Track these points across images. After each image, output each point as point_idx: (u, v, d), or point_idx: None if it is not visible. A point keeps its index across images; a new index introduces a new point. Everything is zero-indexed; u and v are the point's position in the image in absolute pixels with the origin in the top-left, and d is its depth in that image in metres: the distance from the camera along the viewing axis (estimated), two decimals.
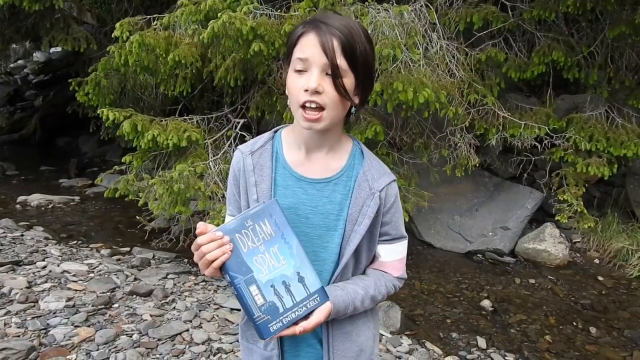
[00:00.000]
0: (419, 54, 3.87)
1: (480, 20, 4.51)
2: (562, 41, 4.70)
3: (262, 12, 3.89)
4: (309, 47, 1.03)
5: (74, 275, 3.61)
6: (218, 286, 3.77)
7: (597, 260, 4.93)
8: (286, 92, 1.11)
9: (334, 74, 1.03)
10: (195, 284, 3.78)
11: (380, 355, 3.00)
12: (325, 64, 1.02)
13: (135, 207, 4.26)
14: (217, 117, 4.71)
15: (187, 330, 2.96)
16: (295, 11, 3.88)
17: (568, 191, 4.65)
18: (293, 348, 1.21)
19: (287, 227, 1.05)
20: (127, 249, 4.55)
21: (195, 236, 1.03)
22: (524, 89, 5.48)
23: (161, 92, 4.95)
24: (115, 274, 3.71)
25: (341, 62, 1.02)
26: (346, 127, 1.21)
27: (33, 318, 2.86)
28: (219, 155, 4.19)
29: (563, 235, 5.00)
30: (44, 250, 4.09)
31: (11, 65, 12.11)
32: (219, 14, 3.58)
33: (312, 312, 1.06)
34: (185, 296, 3.51)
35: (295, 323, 1.05)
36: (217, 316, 3.21)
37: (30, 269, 3.60)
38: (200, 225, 1.02)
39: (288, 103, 1.11)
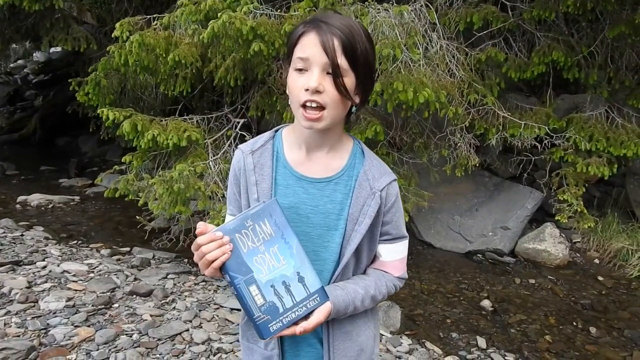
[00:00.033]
0: (419, 54, 3.87)
1: (480, 20, 4.51)
2: (562, 41, 4.70)
3: (262, 12, 3.88)
4: (309, 47, 1.03)
5: (74, 275, 3.60)
6: (218, 286, 3.77)
7: (597, 260, 4.93)
8: (287, 91, 1.11)
9: (335, 73, 1.03)
10: (195, 284, 3.77)
11: (380, 355, 3.00)
12: (326, 63, 1.02)
13: (135, 207, 4.26)
14: (217, 117, 4.71)
15: (187, 330, 2.95)
16: (295, 11, 3.88)
17: (568, 191, 4.65)
18: (293, 348, 1.21)
19: (287, 227, 1.05)
20: (127, 249, 4.55)
21: (195, 236, 1.03)
22: (524, 89, 5.48)
23: (161, 92, 4.95)
24: (115, 274, 3.71)
25: (342, 61, 1.02)
26: (346, 127, 1.21)
27: (33, 318, 2.86)
28: (219, 155, 4.19)
29: (563, 235, 5.00)
30: (44, 250, 4.09)
31: (11, 65, 12.11)
32: (219, 14, 3.58)
33: (312, 312, 1.06)
34: (185, 296, 3.51)
35: (296, 323, 1.05)
36: (217, 316, 3.21)
37: (30, 269, 3.60)
38: (200, 225, 1.02)
39: (289, 102, 1.11)
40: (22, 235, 4.46)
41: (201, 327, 3.02)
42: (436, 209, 5.19)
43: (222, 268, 1.02)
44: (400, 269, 1.25)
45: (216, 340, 2.87)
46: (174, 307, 3.28)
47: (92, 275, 3.67)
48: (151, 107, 5.34)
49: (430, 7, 4.31)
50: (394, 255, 1.23)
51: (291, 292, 1.04)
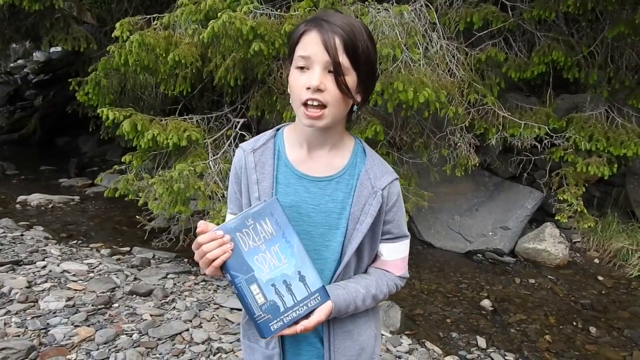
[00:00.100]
0: (419, 54, 3.87)
1: (480, 20, 4.51)
2: (562, 41, 4.70)
3: (262, 11, 3.88)
4: (311, 45, 1.03)
5: (74, 275, 3.60)
6: (218, 286, 3.77)
7: (597, 260, 4.93)
8: (288, 90, 1.11)
9: (336, 71, 1.03)
10: (195, 284, 3.77)
11: (381, 355, 3.00)
12: (328, 61, 1.02)
13: (135, 207, 4.26)
14: (217, 117, 4.71)
15: (187, 329, 2.95)
16: (295, 11, 3.88)
17: (568, 191, 4.65)
18: (294, 347, 1.21)
19: (288, 226, 1.05)
20: (127, 248, 4.55)
21: (196, 235, 1.02)
22: (524, 88, 5.48)
23: (161, 91, 4.95)
24: (115, 274, 3.71)
25: (343, 59, 1.02)
26: (347, 126, 1.21)
27: (33, 318, 2.86)
28: (218, 155, 4.18)
29: (563, 235, 5.00)
30: (44, 250, 4.08)
31: (11, 64, 12.11)
32: (219, 14, 3.57)
33: (313, 311, 1.06)
34: (185, 296, 3.51)
35: (296, 322, 1.05)
36: (217, 316, 3.21)
37: (30, 268, 3.60)
38: (201, 224, 1.02)
39: (290, 101, 1.11)
40: (22, 235, 4.45)
41: (201, 327, 3.02)
42: (436, 209, 5.19)
43: (223, 267, 1.02)
44: (402, 268, 1.25)
45: (216, 340, 2.87)
46: (174, 307, 3.27)
47: (92, 275, 3.67)
48: (151, 107, 5.34)
49: (430, 6, 4.31)
50: (395, 255, 1.22)
51: (292, 291, 1.04)
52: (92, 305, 3.10)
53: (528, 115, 4.59)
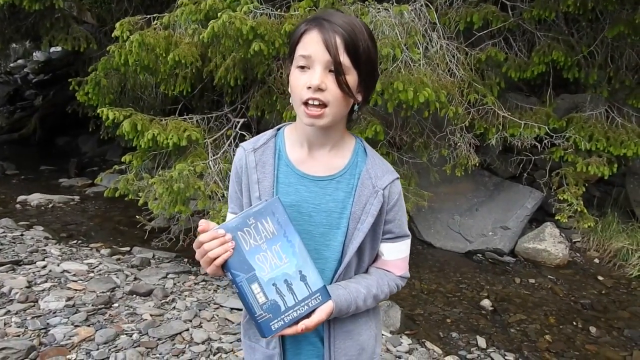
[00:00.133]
0: (419, 54, 3.87)
1: (480, 20, 4.51)
2: (562, 41, 4.70)
3: (262, 11, 3.88)
4: (311, 45, 1.03)
5: (74, 275, 3.60)
6: (218, 286, 3.77)
7: (597, 260, 4.93)
8: (289, 89, 1.11)
9: (337, 71, 1.02)
10: (195, 284, 3.77)
11: (381, 355, 2.99)
12: (328, 61, 1.02)
13: (135, 207, 4.26)
14: (217, 117, 4.71)
15: (187, 329, 2.95)
16: (295, 11, 3.88)
17: (568, 191, 4.65)
18: (294, 346, 1.21)
19: (290, 226, 1.04)
20: (127, 248, 4.55)
21: (196, 235, 1.02)
22: (524, 88, 5.48)
23: (161, 91, 4.95)
24: (115, 274, 3.71)
25: (344, 59, 1.02)
26: (348, 125, 1.21)
27: (33, 318, 2.86)
28: (218, 155, 4.18)
29: (563, 235, 5.00)
30: (44, 249, 4.08)
31: (11, 64, 12.10)
32: (219, 14, 3.58)
33: (314, 310, 1.06)
34: (185, 296, 3.51)
35: (297, 322, 1.04)
36: (217, 316, 3.21)
37: (30, 268, 3.60)
38: (202, 223, 1.01)
39: (290, 100, 1.11)
40: (22, 235, 4.45)
41: (201, 327, 3.01)
42: (436, 209, 5.19)
43: (224, 266, 1.01)
44: (403, 268, 1.25)
45: (216, 340, 2.87)
46: (174, 307, 3.27)
47: (92, 274, 3.66)
48: (151, 107, 5.34)
49: (430, 6, 4.31)
50: (396, 254, 1.22)
51: (293, 291, 1.04)
52: (92, 305, 3.10)
53: (528, 115, 4.59)
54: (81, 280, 3.52)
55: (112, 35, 4.27)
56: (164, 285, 3.64)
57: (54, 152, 8.67)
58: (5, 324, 2.76)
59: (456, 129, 4.28)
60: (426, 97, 3.52)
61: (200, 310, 3.24)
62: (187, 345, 2.79)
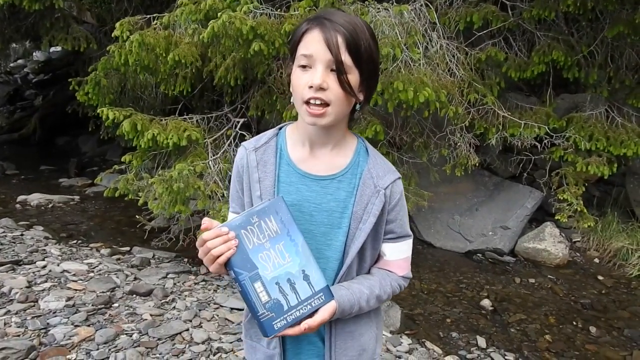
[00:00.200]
0: (419, 54, 3.87)
1: (480, 20, 4.51)
2: (562, 40, 4.70)
3: (262, 11, 3.88)
4: (313, 44, 1.03)
5: (74, 275, 3.60)
6: (218, 286, 3.76)
7: (597, 260, 4.93)
8: (290, 88, 1.11)
9: (339, 70, 1.02)
10: (195, 284, 3.77)
11: (381, 355, 2.99)
12: (330, 60, 1.02)
13: (135, 207, 4.25)
14: (217, 117, 4.71)
15: (187, 329, 2.95)
16: (295, 10, 3.88)
17: (568, 190, 4.65)
18: (295, 346, 1.21)
19: (293, 225, 1.04)
20: (127, 248, 4.55)
21: (196, 235, 1.02)
22: (524, 88, 5.48)
23: (161, 91, 4.94)
24: (115, 274, 3.71)
25: (346, 58, 1.02)
26: (350, 125, 1.20)
27: (33, 317, 2.85)
28: (218, 155, 4.18)
29: (563, 235, 5.00)
30: (44, 249, 4.08)
31: (11, 64, 12.10)
32: (219, 14, 3.57)
33: (316, 310, 1.05)
34: (185, 296, 3.50)
35: (300, 321, 1.04)
36: (217, 316, 3.20)
37: (30, 268, 3.59)
38: (206, 221, 1.01)
39: (292, 100, 1.11)
40: (22, 234, 4.45)
41: (201, 327, 3.01)
42: (436, 209, 5.19)
43: (227, 264, 1.01)
44: (405, 268, 1.24)
45: (216, 340, 2.87)
46: (174, 307, 3.27)
47: (92, 274, 3.66)
48: (151, 107, 5.33)
49: (430, 6, 4.31)
50: (398, 255, 1.22)
51: (296, 290, 1.03)
52: (92, 305, 3.10)
53: (528, 114, 4.59)
54: (81, 280, 3.52)
55: (112, 35, 4.27)
56: (164, 285, 3.64)
57: (54, 152, 8.67)
58: (5, 324, 2.76)
59: (456, 129, 4.28)
60: (426, 97, 3.52)
61: (200, 310, 3.24)
62: (187, 345, 2.78)
